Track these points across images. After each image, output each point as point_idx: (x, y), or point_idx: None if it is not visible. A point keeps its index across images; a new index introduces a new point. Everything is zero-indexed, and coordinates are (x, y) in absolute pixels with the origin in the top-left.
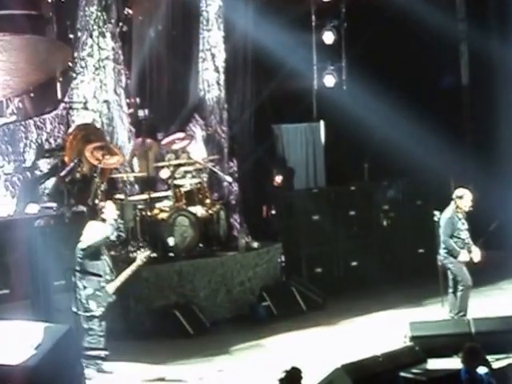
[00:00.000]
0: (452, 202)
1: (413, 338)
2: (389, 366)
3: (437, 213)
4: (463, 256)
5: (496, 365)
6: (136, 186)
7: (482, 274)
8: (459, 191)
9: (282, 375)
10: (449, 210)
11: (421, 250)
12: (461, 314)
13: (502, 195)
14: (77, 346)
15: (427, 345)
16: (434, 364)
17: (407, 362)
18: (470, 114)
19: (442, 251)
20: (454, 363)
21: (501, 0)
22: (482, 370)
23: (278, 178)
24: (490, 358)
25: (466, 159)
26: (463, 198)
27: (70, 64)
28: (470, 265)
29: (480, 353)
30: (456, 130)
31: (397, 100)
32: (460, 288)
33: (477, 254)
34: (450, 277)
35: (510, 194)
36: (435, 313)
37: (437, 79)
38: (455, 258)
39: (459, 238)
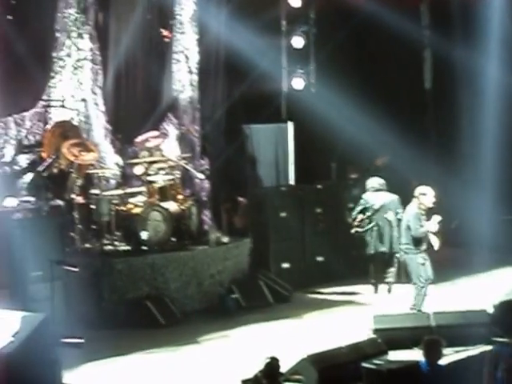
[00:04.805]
0: (415, 199)
1: (376, 331)
2: (352, 356)
3: (399, 210)
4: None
5: (455, 357)
6: (111, 182)
7: (441, 271)
8: (422, 188)
9: (263, 366)
10: (413, 207)
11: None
12: (415, 308)
13: (463, 194)
14: (53, 334)
15: (389, 337)
16: (394, 355)
17: (370, 353)
18: (433, 116)
19: (403, 246)
20: (414, 355)
21: (464, 7)
22: (443, 361)
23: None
24: (449, 350)
25: (428, 159)
26: (426, 195)
27: None
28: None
29: (440, 345)
30: (419, 131)
31: (363, 102)
32: (416, 284)
33: (436, 243)
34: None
35: (469, 194)
36: (399, 306)
37: (401, 83)
38: (417, 252)
39: None
